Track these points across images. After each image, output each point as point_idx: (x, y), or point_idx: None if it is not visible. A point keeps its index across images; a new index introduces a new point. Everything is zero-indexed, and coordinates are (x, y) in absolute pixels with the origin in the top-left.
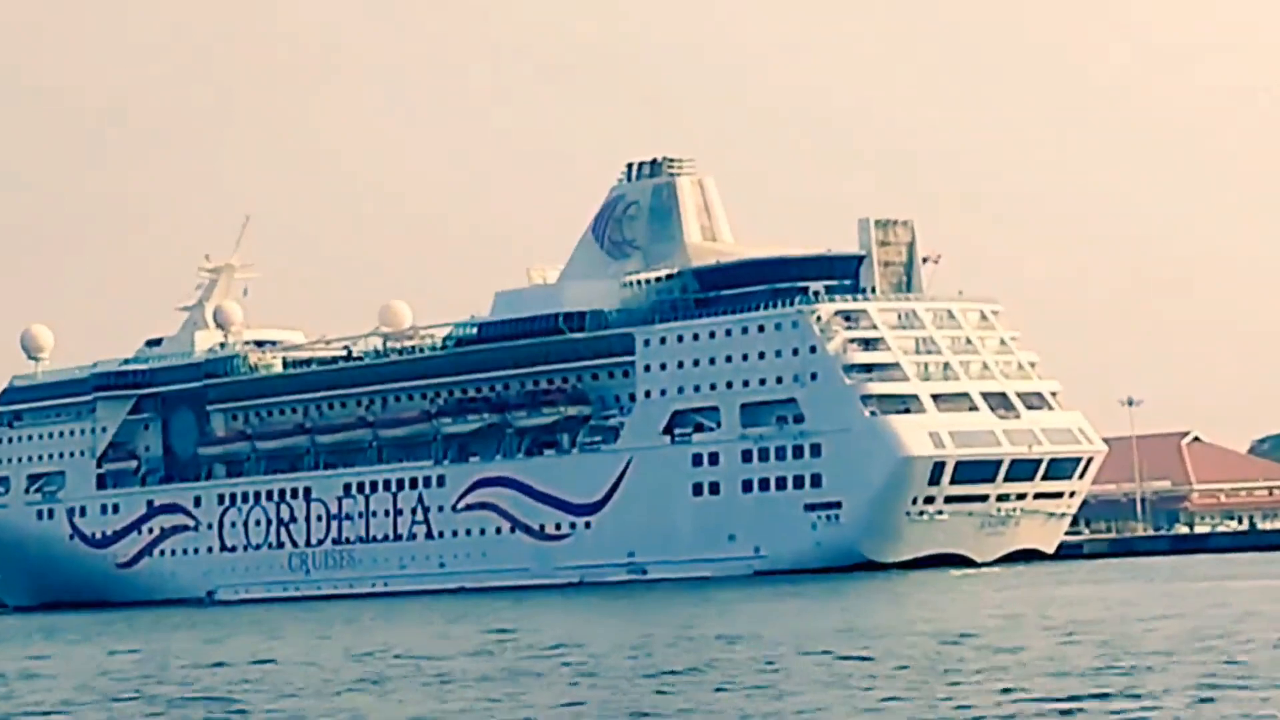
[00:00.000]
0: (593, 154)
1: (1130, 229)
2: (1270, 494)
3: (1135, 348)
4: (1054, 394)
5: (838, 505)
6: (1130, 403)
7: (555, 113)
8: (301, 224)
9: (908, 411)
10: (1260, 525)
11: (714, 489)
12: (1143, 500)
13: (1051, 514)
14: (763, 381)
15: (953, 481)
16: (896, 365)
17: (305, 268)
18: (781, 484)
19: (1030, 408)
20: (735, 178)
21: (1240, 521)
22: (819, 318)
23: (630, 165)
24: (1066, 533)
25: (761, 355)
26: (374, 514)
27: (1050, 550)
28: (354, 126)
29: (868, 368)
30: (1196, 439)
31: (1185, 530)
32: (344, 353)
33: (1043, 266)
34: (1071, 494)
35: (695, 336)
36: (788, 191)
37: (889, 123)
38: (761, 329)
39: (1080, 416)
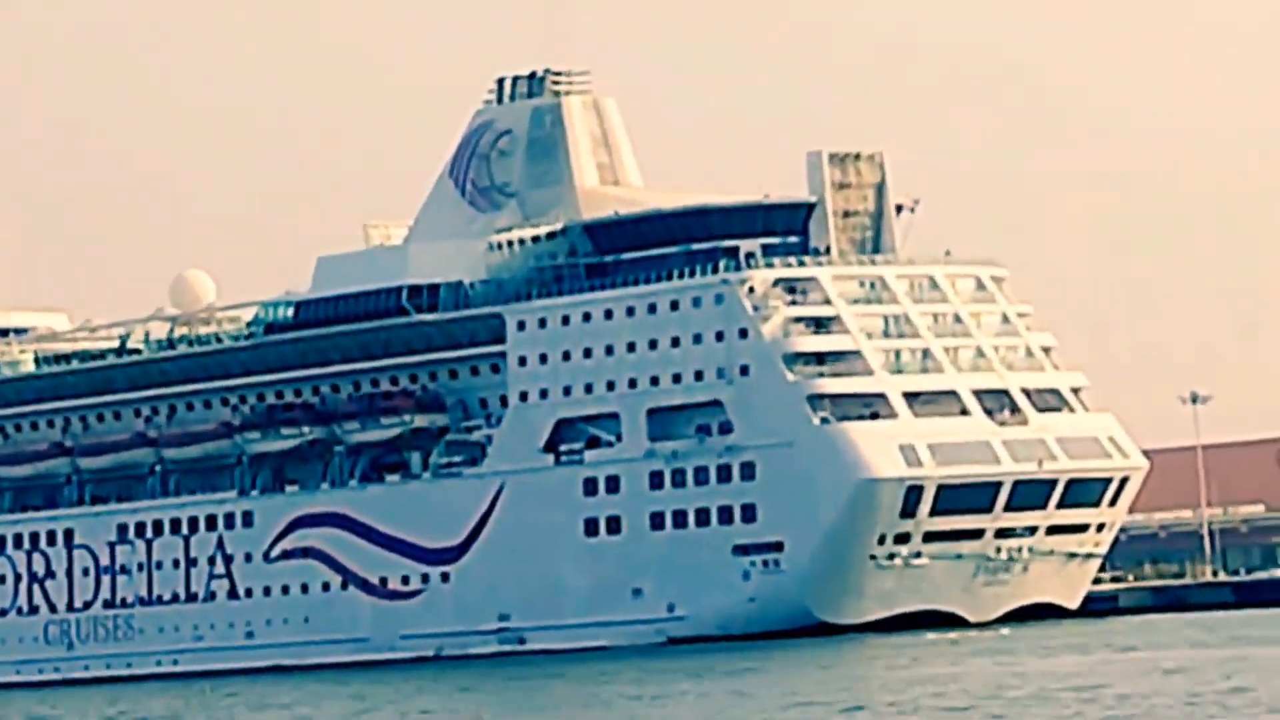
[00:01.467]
0: (455, 69)
1: (1185, 156)
2: None
3: (1202, 324)
4: (1077, 390)
5: (778, 548)
6: (1195, 399)
7: (405, 14)
8: (65, 172)
9: (874, 417)
10: None
11: (613, 526)
12: (1211, 534)
13: (1073, 554)
14: (677, 378)
15: (934, 512)
16: (857, 354)
17: (71, 228)
18: (703, 519)
19: (1043, 409)
20: (644, 99)
21: None
22: (752, 289)
23: (501, 81)
24: (1099, 580)
25: (675, 342)
26: (158, 566)
27: (1073, 604)
28: (146, 30)
29: (818, 357)
30: None
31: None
32: (117, 344)
33: (1065, 217)
34: (1100, 526)
35: (586, 317)
36: (714, 119)
37: (853, 25)
38: (675, 305)
39: (1112, 420)
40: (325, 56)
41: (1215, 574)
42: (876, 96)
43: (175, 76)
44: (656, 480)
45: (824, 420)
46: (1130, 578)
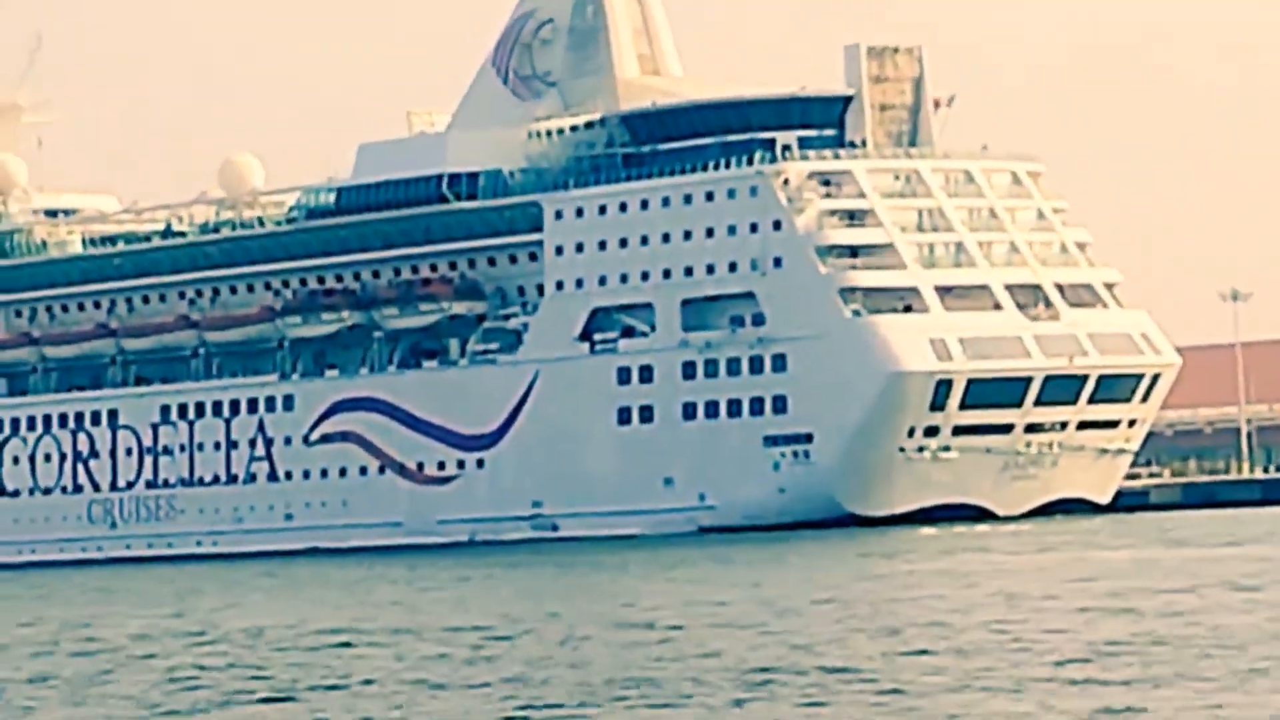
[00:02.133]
0: None
1: (1233, 52)
2: None
3: (1241, 222)
4: (1110, 286)
5: (808, 438)
6: (1235, 297)
7: None
8: (115, 51)
9: (907, 310)
10: None
11: (646, 415)
12: (1249, 432)
13: (1104, 450)
14: (711, 269)
15: (964, 406)
16: (891, 247)
17: (119, 110)
18: (735, 409)
19: (1076, 304)
20: None
21: None
22: (786, 181)
23: None
24: (1133, 475)
25: (710, 233)
26: (200, 447)
27: (1104, 499)
28: None
29: (851, 250)
30: None
31: None
32: (163, 227)
33: (1104, 112)
34: (1132, 422)
35: (622, 207)
36: (757, 10)
37: None
38: (710, 196)
39: (1146, 317)
40: None
41: (1251, 470)
42: None
43: None
44: (689, 370)
45: (855, 313)
46: (1167, 473)
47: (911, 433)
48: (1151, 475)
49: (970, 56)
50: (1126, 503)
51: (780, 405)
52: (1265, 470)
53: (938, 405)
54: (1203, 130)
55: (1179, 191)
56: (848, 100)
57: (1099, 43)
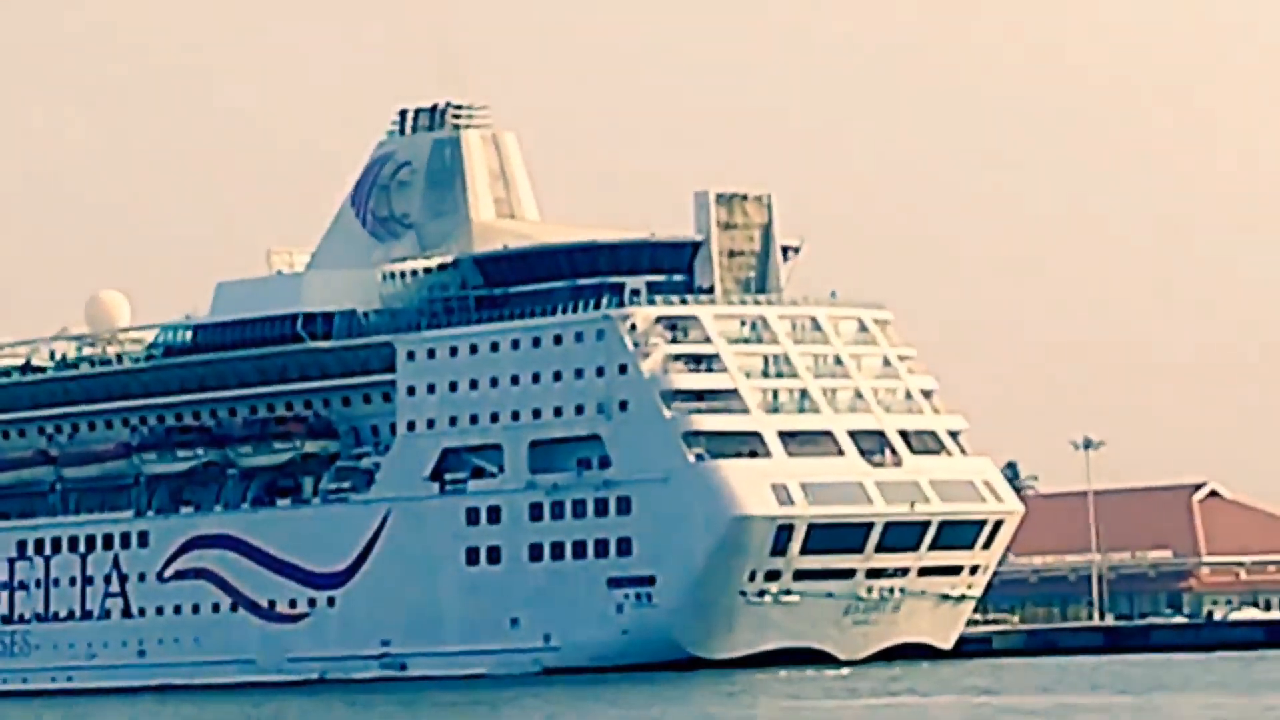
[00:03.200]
0: (365, 98)
1: (1078, 201)
2: None
3: (1095, 370)
4: (955, 434)
5: (651, 581)
6: (1087, 445)
7: (316, 47)
8: None
9: (751, 455)
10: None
11: (494, 556)
12: (1100, 579)
13: (946, 596)
14: (558, 412)
15: (805, 551)
16: (735, 392)
17: None
18: (580, 551)
19: (919, 451)
20: (544, 135)
21: (1269, 608)
22: (634, 326)
23: (404, 114)
24: (978, 621)
25: (558, 376)
26: (55, 583)
27: (946, 645)
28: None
29: (697, 394)
30: (1215, 494)
31: (1156, 619)
32: (22, 363)
33: (955, 259)
34: (974, 568)
35: (473, 349)
36: (612, 155)
37: (747, 72)
38: (558, 340)
39: (989, 464)
40: (240, 82)
41: (1103, 617)
42: (768, 137)
43: (95, 91)
44: (536, 512)
45: (699, 457)
46: (1015, 620)
47: (753, 576)
48: (990, 622)
49: (821, 203)
50: (970, 648)
51: (624, 547)
52: (1115, 617)
53: (779, 549)
54: (1057, 277)
55: (1034, 338)
56: (696, 246)
57: (950, 185)
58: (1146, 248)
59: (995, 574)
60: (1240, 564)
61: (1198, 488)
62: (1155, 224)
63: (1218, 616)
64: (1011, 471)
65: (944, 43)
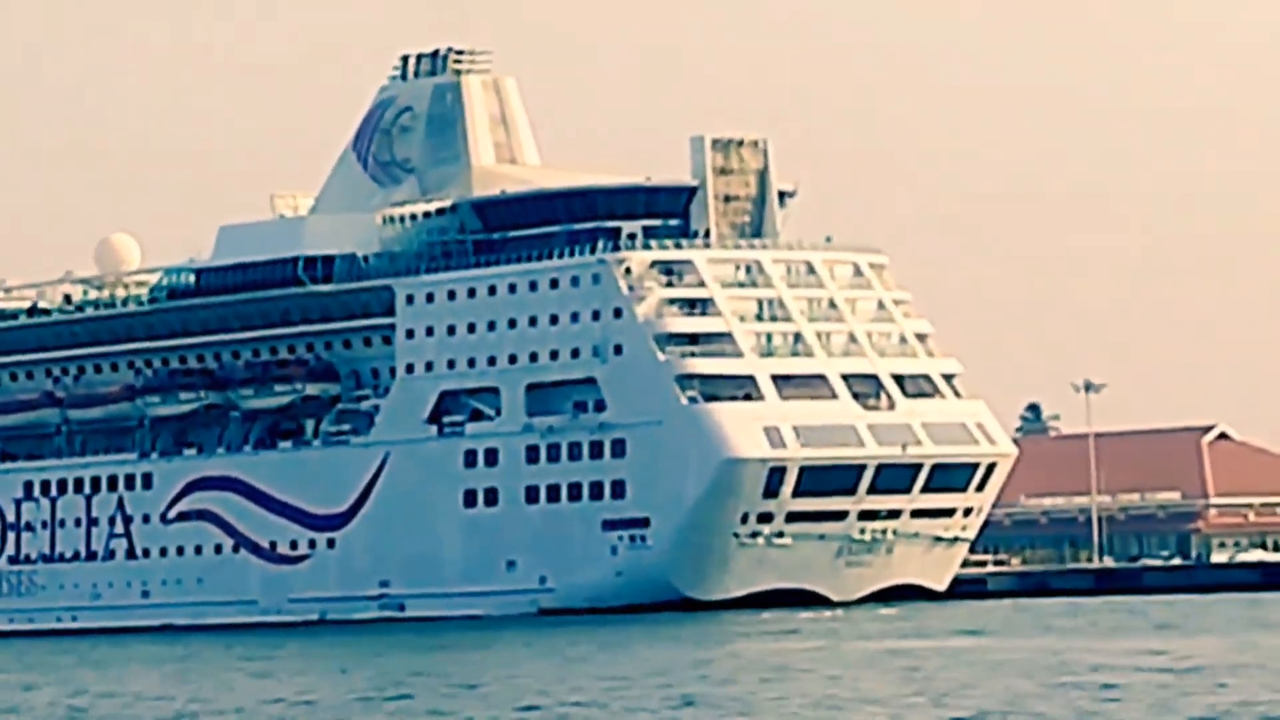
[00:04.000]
0: (374, 42)
1: (1076, 143)
2: None
3: (1098, 313)
4: (950, 377)
5: (645, 523)
6: (1088, 388)
7: None
8: None
9: (745, 399)
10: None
11: (490, 499)
12: (1100, 521)
13: (939, 538)
14: (554, 355)
15: (797, 493)
16: (729, 336)
17: None
18: (575, 494)
19: (913, 395)
20: (546, 80)
21: (1278, 549)
22: (629, 270)
23: (405, 59)
24: (979, 562)
25: (554, 320)
26: (61, 524)
27: (940, 586)
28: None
29: (691, 338)
30: (1224, 436)
31: (1160, 562)
32: (29, 306)
33: (953, 204)
34: (967, 510)
35: (471, 292)
36: (612, 100)
37: (745, 17)
38: (554, 284)
39: (983, 407)
40: (246, 30)
41: (1101, 559)
42: (764, 82)
43: (111, 36)
44: (533, 455)
45: (692, 400)
46: (1015, 561)
47: (745, 518)
48: (997, 563)
49: (818, 148)
50: (964, 590)
51: (619, 490)
52: (1115, 560)
53: (771, 492)
54: (1056, 219)
55: (1031, 283)
56: (692, 191)
57: (950, 133)
58: (1150, 190)
59: (1007, 516)
60: (1249, 506)
61: (1207, 430)
62: (1158, 170)
63: (1223, 559)
64: (1034, 413)
65: None
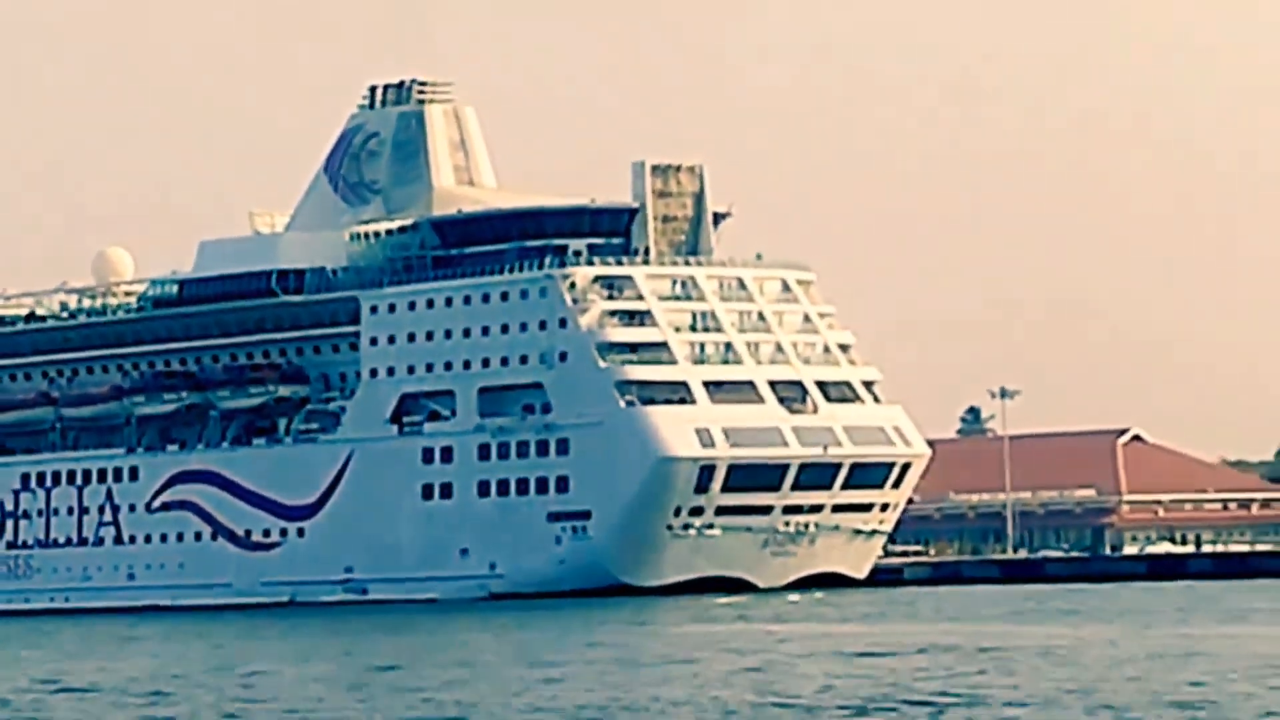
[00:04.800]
0: (351, 73)
1: (993, 170)
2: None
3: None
4: (870, 384)
5: (586, 515)
6: (1003, 394)
7: (297, 28)
8: None
9: (681, 403)
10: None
11: (446, 492)
12: (1013, 516)
13: (859, 530)
14: (505, 361)
15: (725, 489)
16: (665, 345)
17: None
18: (523, 488)
19: (836, 400)
20: (503, 109)
21: (1185, 543)
22: (574, 284)
23: (373, 89)
24: (898, 553)
25: (505, 329)
26: (55, 513)
27: (860, 575)
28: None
29: (630, 347)
30: (1138, 438)
31: (1066, 554)
32: (27, 312)
33: (880, 222)
34: (884, 506)
35: (429, 304)
36: (567, 130)
37: (686, 51)
38: (505, 296)
39: (900, 412)
40: (230, 61)
41: (1015, 551)
42: (703, 111)
43: (103, 62)
44: (484, 452)
45: (630, 403)
46: (933, 552)
47: (678, 512)
48: (917, 554)
49: (752, 172)
50: (882, 578)
51: (563, 485)
52: (1029, 552)
53: (702, 488)
54: (982, 237)
55: (955, 296)
56: (633, 212)
57: (875, 156)
58: (1069, 202)
59: (937, 510)
60: (1159, 502)
61: (1122, 433)
62: (1075, 177)
63: (1134, 551)
64: (974, 415)
65: (867, 14)
